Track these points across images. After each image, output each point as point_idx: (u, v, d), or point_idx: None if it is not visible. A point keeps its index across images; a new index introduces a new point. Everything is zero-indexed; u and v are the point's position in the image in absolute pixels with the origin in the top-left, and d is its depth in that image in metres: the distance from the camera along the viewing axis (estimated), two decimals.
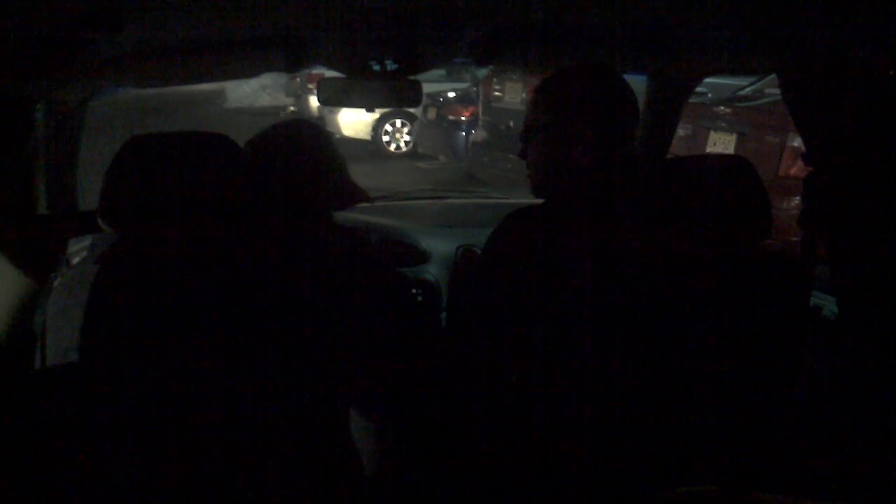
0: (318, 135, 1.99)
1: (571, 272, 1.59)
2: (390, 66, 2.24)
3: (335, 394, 1.49)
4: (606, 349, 1.48)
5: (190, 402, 1.35)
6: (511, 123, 9.01)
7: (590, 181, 1.79)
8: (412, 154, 13.38)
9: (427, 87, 2.95)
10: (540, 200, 1.93)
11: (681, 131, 5.97)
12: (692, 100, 2.78)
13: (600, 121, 1.80)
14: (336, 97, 2.46)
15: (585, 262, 1.59)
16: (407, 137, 13.72)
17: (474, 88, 11.25)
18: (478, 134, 10.05)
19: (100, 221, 1.59)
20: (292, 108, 17.70)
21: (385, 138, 13.78)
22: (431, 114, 11.93)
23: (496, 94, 9.38)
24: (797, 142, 4.85)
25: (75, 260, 1.99)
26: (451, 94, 11.84)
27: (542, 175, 1.90)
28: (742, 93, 6.43)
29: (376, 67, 2.26)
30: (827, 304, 2.08)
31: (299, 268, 1.47)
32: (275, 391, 1.39)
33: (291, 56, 2.12)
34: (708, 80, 2.69)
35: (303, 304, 1.44)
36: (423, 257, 2.95)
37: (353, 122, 13.79)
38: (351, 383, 1.52)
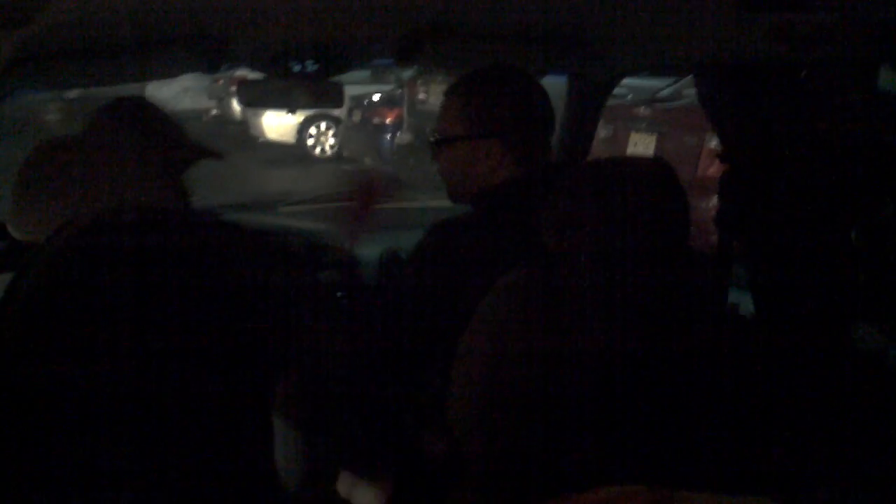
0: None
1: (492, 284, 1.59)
2: (311, 66, 2.22)
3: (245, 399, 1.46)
4: (532, 359, 1.48)
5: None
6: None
7: (506, 195, 1.77)
8: (337, 157, 13.31)
9: (352, 90, 2.94)
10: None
11: (601, 132, 6.05)
12: (612, 101, 2.81)
13: (511, 134, 1.77)
14: (258, 99, 2.43)
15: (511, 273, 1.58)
16: (332, 140, 13.64)
17: (399, 91, 11.25)
18: (403, 136, 10.05)
19: (10, 230, 1.54)
20: (215, 111, 17.45)
21: (310, 141, 13.68)
22: (356, 116, 11.89)
23: (421, 96, 9.39)
24: (715, 142, 4.96)
25: None
26: (376, 97, 11.81)
27: (456, 185, 1.87)
28: (661, 94, 6.54)
29: (297, 68, 2.24)
30: (743, 301, 2.13)
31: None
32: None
33: (211, 56, 2.08)
34: (627, 80, 2.73)
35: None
36: (348, 261, 2.93)
37: (277, 125, 13.66)
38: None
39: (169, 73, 2.32)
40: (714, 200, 2.04)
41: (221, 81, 15.58)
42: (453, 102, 1.83)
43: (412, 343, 1.79)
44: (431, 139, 1.88)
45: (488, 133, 1.76)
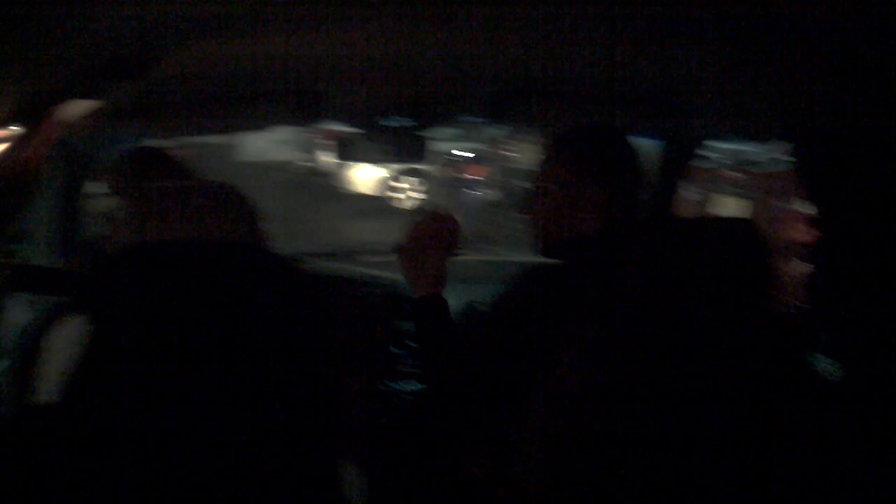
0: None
1: (577, 333, 1.58)
2: (403, 122, 2.26)
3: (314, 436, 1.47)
4: (609, 415, 1.46)
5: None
6: (525, 183, 9.03)
7: (597, 244, 1.77)
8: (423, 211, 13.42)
9: (440, 145, 2.98)
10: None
11: (692, 195, 5.98)
12: (703, 164, 2.78)
13: (609, 183, 1.79)
14: (353, 153, 2.48)
15: (589, 326, 1.57)
16: (418, 194, 13.77)
17: (488, 148, 11.32)
18: (491, 193, 10.09)
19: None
20: (304, 162, 17.81)
21: (396, 194, 13.83)
22: (445, 172, 12.00)
23: (510, 154, 9.43)
24: (809, 208, 4.87)
25: None
26: (465, 153, 11.92)
27: (550, 235, 1.89)
28: (752, 158, 6.45)
29: (388, 123, 2.28)
30: (830, 367, 2.06)
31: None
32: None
33: (304, 110, 2.14)
34: (717, 144, 2.70)
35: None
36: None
37: (365, 178, 13.86)
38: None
39: (262, 125, 2.39)
40: (804, 266, 1.99)
41: (311, 134, 15.91)
42: (559, 151, 1.86)
43: (482, 389, 1.79)
44: (530, 187, 1.91)
45: (591, 181, 1.79)
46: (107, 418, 1.34)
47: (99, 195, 2.06)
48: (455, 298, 2.93)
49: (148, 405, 1.35)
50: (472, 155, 11.87)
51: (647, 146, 2.60)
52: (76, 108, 1.66)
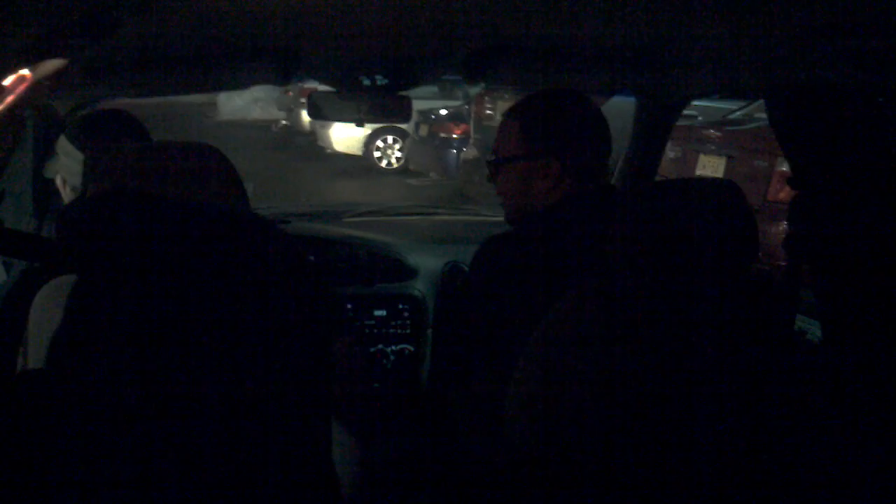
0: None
1: (554, 299, 1.59)
2: (381, 80, 2.25)
3: (296, 412, 1.47)
4: (594, 380, 1.48)
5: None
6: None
7: (561, 214, 1.78)
8: (403, 171, 13.41)
9: (419, 104, 2.97)
10: None
11: (670, 154, 6.00)
12: (681, 122, 2.79)
13: (569, 153, 1.78)
14: (326, 111, 2.46)
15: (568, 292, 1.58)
16: (398, 154, 13.74)
17: (466, 106, 11.30)
18: (469, 152, 10.08)
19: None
20: (284, 122, 17.72)
21: (376, 154, 13.80)
22: (423, 131, 11.96)
23: (488, 112, 9.42)
24: (786, 166, 4.90)
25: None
26: (444, 112, 11.87)
27: (514, 206, 1.89)
28: (732, 116, 6.47)
29: (367, 82, 2.26)
30: (812, 328, 2.09)
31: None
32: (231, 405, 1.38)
33: (282, 68, 2.12)
34: (697, 102, 2.71)
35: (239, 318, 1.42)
36: (410, 273, 2.95)
37: (345, 137, 13.81)
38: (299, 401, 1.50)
39: (242, 84, 2.37)
40: (784, 224, 2.00)
41: (291, 93, 15.79)
42: (512, 123, 1.85)
43: (464, 351, 1.81)
44: (490, 159, 1.90)
45: (546, 152, 1.78)
46: (91, 387, 1.34)
47: (69, 156, 2.05)
48: (437, 258, 2.95)
49: (130, 372, 1.35)
50: (447, 113, 11.83)
51: (625, 105, 2.60)
52: (48, 68, 1.64)
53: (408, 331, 2.89)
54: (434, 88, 12.15)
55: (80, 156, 2.00)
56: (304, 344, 1.51)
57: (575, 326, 1.51)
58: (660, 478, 1.43)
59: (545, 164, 1.78)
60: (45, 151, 2.35)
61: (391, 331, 2.89)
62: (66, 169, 2.03)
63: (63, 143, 2.04)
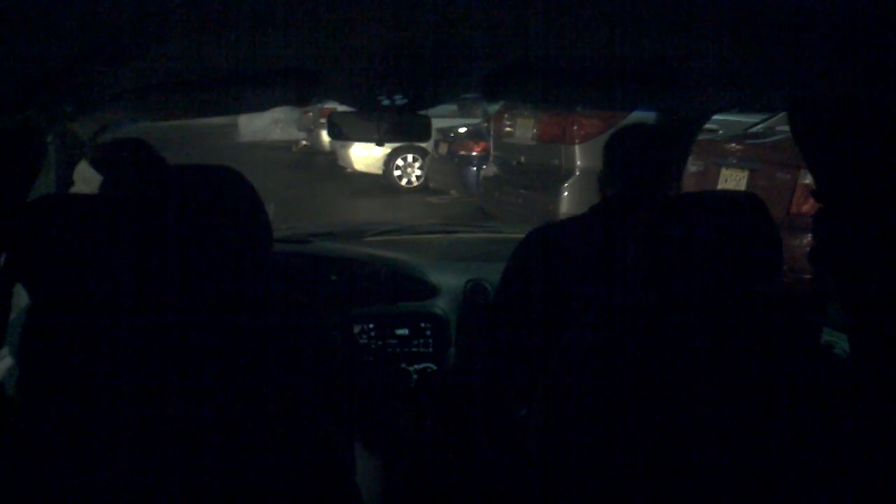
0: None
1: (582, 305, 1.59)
2: (400, 100, 2.25)
3: (319, 431, 1.47)
4: (614, 391, 1.47)
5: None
6: (522, 159, 9.01)
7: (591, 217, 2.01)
8: (423, 189, 13.42)
9: (438, 123, 2.98)
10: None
11: (692, 168, 5.97)
12: (703, 136, 2.78)
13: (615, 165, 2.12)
14: (346, 131, 2.47)
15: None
16: (418, 172, 13.76)
17: (485, 124, 11.29)
18: (489, 169, 10.06)
19: None
20: (304, 142, 17.80)
21: (396, 173, 13.82)
22: (443, 149, 11.96)
23: (507, 129, 9.39)
24: (809, 179, 4.85)
25: None
26: (463, 130, 11.87)
27: None
28: (753, 130, 6.43)
29: (386, 102, 2.27)
30: (838, 341, 2.07)
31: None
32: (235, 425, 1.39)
33: (302, 90, 2.13)
34: (719, 116, 2.70)
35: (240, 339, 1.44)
36: (432, 291, 2.94)
37: (365, 156, 13.85)
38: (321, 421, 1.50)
39: (262, 105, 2.38)
40: (808, 237, 1.99)
41: (311, 114, 15.86)
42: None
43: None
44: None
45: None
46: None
47: (88, 183, 2.08)
48: (459, 276, 2.95)
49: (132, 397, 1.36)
50: (466, 131, 11.83)
51: (646, 119, 2.60)
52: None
53: (430, 349, 2.88)
54: (453, 107, 12.17)
55: (99, 179, 2.02)
56: (323, 363, 1.52)
57: (597, 337, 1.51)
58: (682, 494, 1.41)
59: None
60: (67, 176, 2.38)
61: (413, 349, 2.88)
62: (81, 191, 2.06)
63: (83, 169, 2.06)
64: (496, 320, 2.09)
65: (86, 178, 2.08)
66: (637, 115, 2.54)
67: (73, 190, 2.12)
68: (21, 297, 1.75)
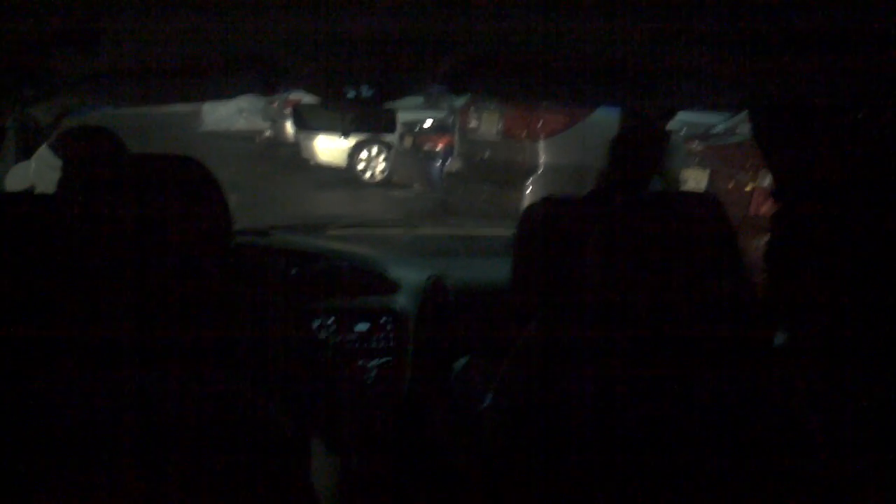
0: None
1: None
2: (365, 92, 2.24)
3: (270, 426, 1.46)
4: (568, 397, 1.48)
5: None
6: (487, 154, 9.03)
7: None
8: (387, 182, 13.39)
9: (403, 116, 2.97)
10: None
11: None
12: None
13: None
14: (311, 122, 2.46)
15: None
16: (382, 165, 13.73)
17: (451, 118, 11.29)
18: (453, 164, 10.06)
19: None
20: (268, 133, 17.67)
21: (360, 166, 13.78)
22: (407, 142, 11.95)
23: (472, 124, 9.40)
24: (769, 180, 4.92)
25: None
26: (428, 123, 11.86)
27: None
28: (715, 130, 6.50)
29: (351, 94, 2.26)
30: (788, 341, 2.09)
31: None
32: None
33: (267, 79, 2.11)
34: (681, 116, 2.72)
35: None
36: (392, 286, 2.94)
37: (329, 148, 13.79)
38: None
39: (226, 94, 2.36)
40: (766, 239, 2.01)
41: (276, 104, 15.75)
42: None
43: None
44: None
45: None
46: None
47: (49, 166, 2.04)
48: (420, 272, 2.95)
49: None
50: (431, 124, 11.82)
51: (609, 117, 2.62)
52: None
53: (390, 344, 2.88)
54: (419, 100, 12.14)
55: (58, 164, 1.99)
56: (285, 358, 1.51)
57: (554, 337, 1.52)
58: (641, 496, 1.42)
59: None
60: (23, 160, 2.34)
61: (373, 345, 2.87)
62: (42, 179, 2.03)
63: (43, 153, 2.03)
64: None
65: (50, 165, 2.05)
66: (601, 113, 2.56)
67: (36, 176, 2.08)
68: None
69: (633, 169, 2.38)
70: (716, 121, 6.55)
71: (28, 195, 1.66)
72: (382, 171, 13.72)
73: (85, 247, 1.38)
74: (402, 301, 2.91)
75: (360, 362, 2.85)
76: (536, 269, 1.90)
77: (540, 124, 7.95)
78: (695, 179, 5.85)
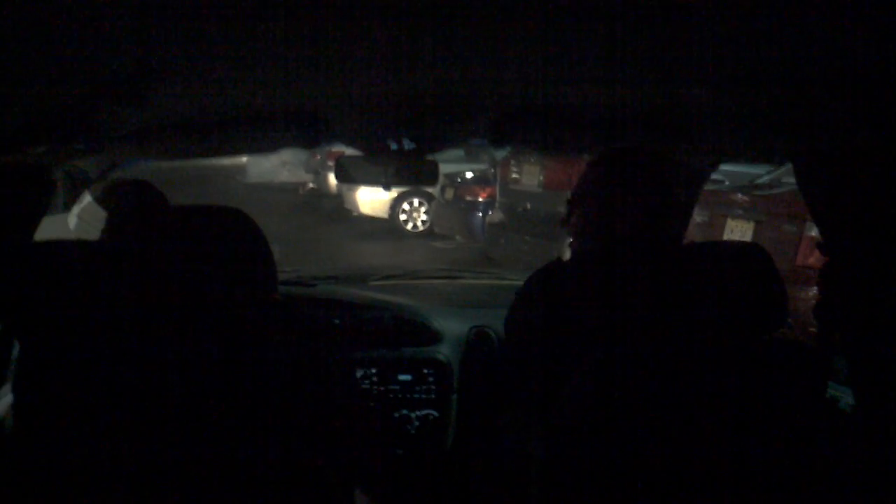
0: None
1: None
2: (407, 145, 2.26)
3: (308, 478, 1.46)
4: (614, 436, 1.46)
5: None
6: (528, 205, 9.05)
7: (605, 253, 1.84)
8: (429, 233, 13.44)
9: (445, 168, 2.98)
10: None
11: (697, 218, 5.97)
12: (709, 187, 2.78)
13: (622, 199, 1.86)
14: (353, 175, 2.48)
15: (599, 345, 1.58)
16: (424, 217, 13.79)
17: (492, 170, 11.34)
18: (494, 215, 10.09)
19: None
20: (311, 185, 17.87)
21: (402, 217, 13.86)
22: (449, 194, 12.00)
23: (513, 176, 9.44)
24: (815, 231, 4.85)
25: None
26: (469, 175, 11.92)
27: (580, 239, 1.97)
28: (759, 181, 6.43)
29: (394, 146, 2.28)
30: (844, 395, 2.05)
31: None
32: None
33: (310, 133, 2.14)
34: (725, 167, 2.70)
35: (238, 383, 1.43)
36: (435, 337, 2.93)
37: (371, 199, 13.90)
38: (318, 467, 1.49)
39: (270, 147, 2.39)
40: (814, 290, 1.98)
41: (318, 156, 15.94)
42: (593, 168, 1.98)
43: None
44: (567, 199, 2.01)
45: (612, 191, 1.89)
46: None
47: (93, 216, 2.09)
48: (462, 323, 2.94)
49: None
50: (473, 176, 11.87)
51: None
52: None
53: (432, 396, 2.86)
54: (460, 152, 12.22)
55: (102, 215, 2.03)
56: (326, 408, 1.51)
57: (598, 383, 1.50)
58: None
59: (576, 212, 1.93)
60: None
61: (416, 396, 2.86)
62: (86, 231, 2.07)
63: (87, 205, 2.08)
64: (508, 370, 2.07)
65: (95, 216, 2.09)
66: None
67: (78, 228, 2.12)
68: None
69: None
70: (760, 172, 6.51)
71: (79, 243, 1.69)
72: (424, 223, 13.78)
73: (132, 296, 1.40)
74: (445, 351, 2.90)
75: (404, 412, 2.83)
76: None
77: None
78: (740, 230, 5.79)
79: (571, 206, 1.95)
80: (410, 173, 2.41)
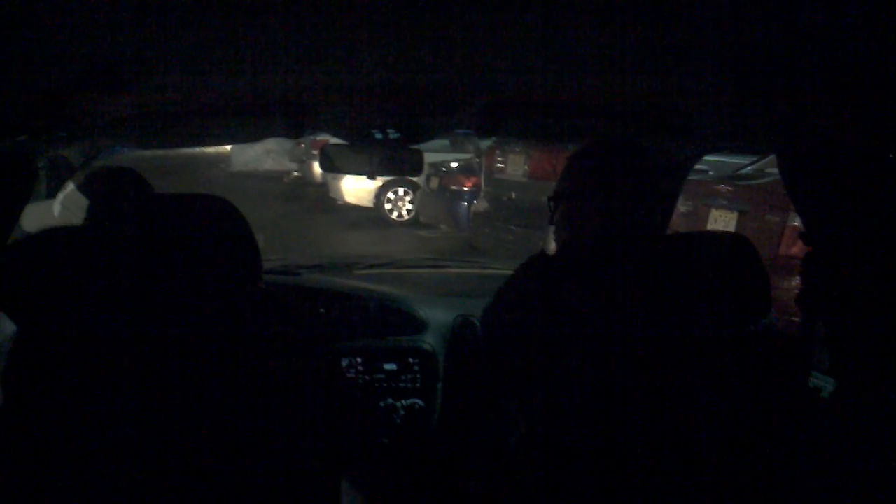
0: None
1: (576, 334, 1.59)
2: (392, 134, 2.26)
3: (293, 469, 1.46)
4: (605, 415, 1.47)
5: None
6: (513, 195, 9.04)
7: (593, 249, 1.79)
8: (414, 222, 13.43)
9: (430, 157, 2.98)
10: None
11: (681, 208, 5.99)
12: (693, 177, 2.79)
13: (608, 194, 1.80)
14: (338, 164, 2.47)
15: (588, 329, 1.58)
16: (409, 206, 13.77)
17: (477, 159, 11.33)
18: (479, 204, 10.08)
19: None
20: (296, 174, 17.82)
21: (387, 206, 13.83)
22: (434, 183, 11.98)
23: (499, 165, 9.42)
24: (798, 221, 4.87)
25: None
26: (454, 165, 11.90)
27: (562, 239, 1.92)
28: (743, 171, 6.47)
29: (378, 136, 2.27)
30: (826, 385, 2.06)
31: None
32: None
33: (294, 122, 2.13)
34: (709, 157, 2.71)
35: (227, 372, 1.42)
36: (420, 326, 2.93)
37: (356, 188, 13.86)
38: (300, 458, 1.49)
39: (254, 136, 2.38)
40: (797, 280, 1.99)
41: (303, 145, 15.89)
42: (571, 164, 1.90)
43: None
44: (549, 197, 1.94)
45: (590, 189, 1.82)
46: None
47: (76, 204, 2.09)
48: (447, 312, 2.94)
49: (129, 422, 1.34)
50: (458, 165, 11.85)
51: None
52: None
53: (418, 385, 2.86)
54: (445, 141, 12.21)
55: (85, 203, 2.03)
56: (311, 396, 1.51)
57: (586, 374, 1.51)
58: None
59: (588, 201, 1.83)
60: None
61: (401, 385, 2.86)
62: (69, 218, 2.06)
63: (70, 193, 2.07)
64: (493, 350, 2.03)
65: (77, 204, 2.08)
66: None
67: (62, 215, 2.11)
68: (6, 325, 1.73)
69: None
70: (744, 162, 6.54)
71: (67, 228, 1.68)
72: (409, 212, 13.76)
73: (115, 284, 1.39)
74: (430, 341, 2.90)
75: (389, 401, 2.84)
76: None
77: None
78: (724, 221, 5.81)
79: (555, 201, 1.93)
80: (395, 163, 2.41)
